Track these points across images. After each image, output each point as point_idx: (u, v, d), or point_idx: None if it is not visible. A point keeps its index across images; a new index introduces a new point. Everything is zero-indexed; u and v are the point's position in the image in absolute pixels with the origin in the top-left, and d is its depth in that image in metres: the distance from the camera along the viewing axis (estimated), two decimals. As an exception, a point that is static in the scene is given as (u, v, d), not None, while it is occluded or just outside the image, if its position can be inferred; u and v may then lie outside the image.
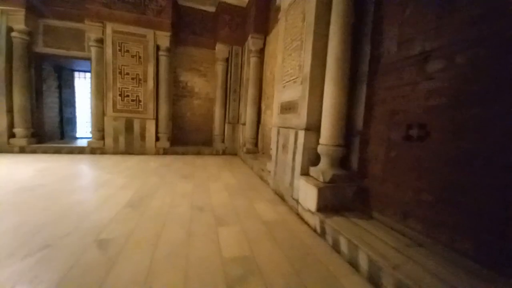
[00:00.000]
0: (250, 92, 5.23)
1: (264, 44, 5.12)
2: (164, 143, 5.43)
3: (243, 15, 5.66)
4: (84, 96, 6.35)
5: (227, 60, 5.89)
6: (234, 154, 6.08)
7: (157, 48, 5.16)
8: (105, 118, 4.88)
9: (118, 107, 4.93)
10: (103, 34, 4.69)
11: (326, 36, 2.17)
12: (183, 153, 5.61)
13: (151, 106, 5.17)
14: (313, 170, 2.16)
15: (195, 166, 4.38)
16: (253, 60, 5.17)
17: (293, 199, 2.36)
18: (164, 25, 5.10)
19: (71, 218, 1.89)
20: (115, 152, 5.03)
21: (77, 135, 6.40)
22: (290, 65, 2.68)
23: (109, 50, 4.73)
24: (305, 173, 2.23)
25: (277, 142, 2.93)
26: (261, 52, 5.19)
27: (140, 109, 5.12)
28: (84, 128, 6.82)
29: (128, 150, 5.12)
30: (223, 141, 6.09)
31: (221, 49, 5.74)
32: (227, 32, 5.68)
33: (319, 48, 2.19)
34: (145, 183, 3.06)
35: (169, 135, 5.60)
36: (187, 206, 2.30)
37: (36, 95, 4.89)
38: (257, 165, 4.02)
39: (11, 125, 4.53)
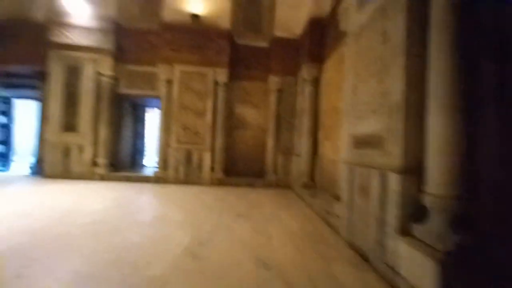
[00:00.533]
0: (305, 122, 4.92)
1: (320, 73, 4.88)
2: (219, 173, 5.45)
3: (295, 46, 5.66)
4: (152, 128, 7.19)
5: (279, 90, 5.84)
6: (288, 186, 5.65)
7: (216, 83, 5.49)
8: (169, 150, 5.24)
9: (180, 139, 5.25)
10: (171, 75, 5.26)
11: (421, 56, 1.74)
12: (236, 184, 5.49)
13: (208, 138, 5.36)
14: (419, 230, 1.58)
15: (250, 202, 4.12)
16: (307, 89, 4.95)
17: (386, 264, 1.78)
18: (222, 62, 5.46)
19: (122, 269, 1.70)
20: (176, 181, 5.25)
21: (145, 163, 7.09)
22: (366, 92, 2.28)
23: (175, 88, 5.24)
24: (405, 232, 1.67)
25: (351, 182, 2.44)
26: (315, 81, 4.95)
27: (198, 141, 5.35)
28: (150, 157, 7.61)
29: (187, 180, 5.29)
30: (275, 173, 5.78)
31: (273, 81, 5.76)
32: (279, 64, 5.73)
33: (414, 71, 1.76)
34: (202, 222, 2.90)
35: (223, 165, 5.62)
36: (250, 260, 1.96)
37: (115, 129, 5.66)
38: (318, 205, 3.50)
39: (95, 156, 5.26)
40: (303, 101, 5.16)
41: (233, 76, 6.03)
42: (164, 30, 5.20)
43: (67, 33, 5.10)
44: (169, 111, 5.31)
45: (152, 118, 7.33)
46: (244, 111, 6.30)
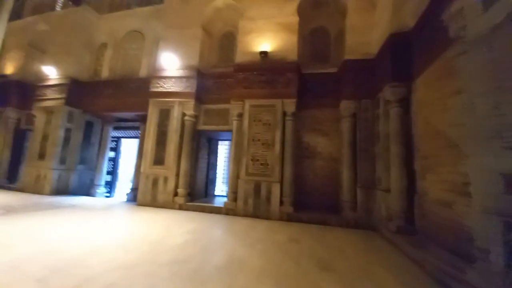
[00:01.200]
0: (393, 150, 4.12)
1: (408, 92, 4.14)
2: (288, 207, 5.06)
3: (370, 67, 5.13)
4: (221, 160, 7.67)
5: (353, 116, 5.27)
6: (371, 227, 4.68)
7: (284, 114, 5.43)
8: (239, 181, 5.28)
9: (250, 170, 5.25)
10: (242, 110, 5.53)
11: None
12: (307, 221, 4.93)
13: (277, 169, 5.17)
14: None
15: (329, 246, 3.50)
16: (393, 111, 4.23)
17: None
18: (290, 93, 5.43)
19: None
20: (245, 214, 5.15)
21: (216, 192, 7.43)
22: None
23: (246, 122, 5.43)
24: None
25: (506, 243, 1.65)
26: (403, 102, 4.20)
27: (267, 172, 5.21)
28: (220, 187, 8.01)
29: (256, 213, 5.12)
30: (353, 209, 4.94)
31: (346, 106, 5.26)
32: (352, 87, 5.26)
33: None
34: (282, 273, 2.52)
35: (292, 198, 5.22)
36: None
37: (193, 161, 6.20)
38: (432, 264, 2.59)
39: (176, 186, 5.79)
40: (387, 125, 4.42)
41: (301, 105, 5.87)
42: (237, 71, 5.66)
43: (162, 83, 6.20)
44: (239, 144, 5.48)
45: (223, 150, 7.86)
46: (313, 140, 5.92)
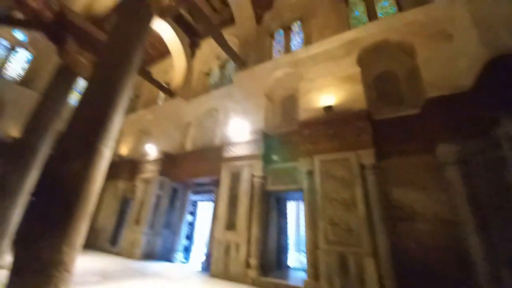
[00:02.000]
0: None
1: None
2: (392, 294, 3.72)
3: (465, 101, 4.15)
4: (292, 222, 6.98)
5: (463, 162, 4.05)
6: None
7: (362, 167, 4.73)
8: (318, 252, 4.45)
9: (329, 237, 4.42)
10: (312, 166, 5.18)
11: None
12: (429, 320, 3.40)
13: (365, 236, 4.16)
14: None
15: None
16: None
17: None
18: (365, 143, 4.85)
19: None
20: (330, 299, 4.07)
21: (289, 263, 6.50)
22: None
23: (317, 179, 4.97)
24: None
25: None
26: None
27: (352, 241, 4.25)
28: (294, 256, 7.05)
29: (346, 300, 3.97)
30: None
31: (446, 150, 4.18)
32: (450, 126, 4.25)
33: None
34: None
35: (394, 281, 3.88)
36: None
37: (263, 225, 5.82)
38: None
39: (248, 255, 5.36)
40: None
41: (382, 154, 5.06)
42: (302, 128, 5.63)
43: (233, 149, 6.74)
44: (312, 204, 4.91)
45: (291, 211, 7.26)
46: (407, 196, 4.72)
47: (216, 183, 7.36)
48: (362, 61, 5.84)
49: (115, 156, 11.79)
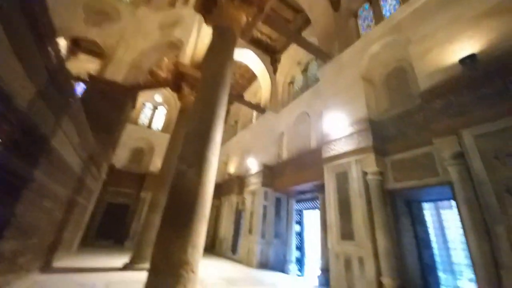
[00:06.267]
0: None
1: None
2: None
3: None
4: (441, 231, 4.99)
5: None
6: None
7: None
8: (502, 273, 2.77)
9: (529, 255, 2.67)
10: (460, 147, 3.57)
11: None
12: None
13: None
14: None
15: None
16: None
17: None
18: None
19: None
20: None
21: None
22: None
23: (476, 164, 3.31)
24: None
25: None
26: None
27: None
28: (458, 279, 4.98)
29: None
30: None
31: None
32: None
33: None
34: None
35: None
36: None
37: (393, 235, 4.48)
38: None
39: (378, 272, 4.20)
40: None
41: None
42: (430, 99, 4.12)
43: (332, 147, 5.93)
44: (474, 203, 3.25)
45: (438, 217, 5.28)
46: None
47: (320, 189, 6.66)
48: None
49: (226, 175, 13.58)
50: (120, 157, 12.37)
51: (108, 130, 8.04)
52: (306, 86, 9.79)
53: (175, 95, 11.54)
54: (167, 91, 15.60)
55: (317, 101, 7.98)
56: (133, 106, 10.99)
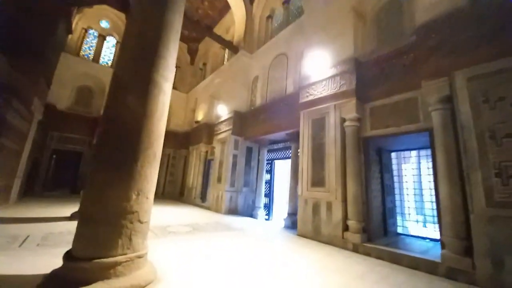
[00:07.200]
0: None
1: None
2: None
3: None
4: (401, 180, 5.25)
5: None
6: None
7: None
8: (472, 218, 2.83)
9: (496, 197, 2.68)
10: (449, 89, 3.24)
11: None
12: None
13: None
14: None
15: None
16: None
17: None
18: None
19: None
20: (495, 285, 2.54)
21: (399, 230, 5.05)
22: None
23: (463, 108, 3.06)
24: None
25: None
26: None
27: (553, 203, 2.38)
28: (407, 220, 5.50)
29: None
30: None
31: None
32: None
33: None
34: None
35: None
36: None
37: (362, 182, 4.48)
38: None
39: (345, 217, 4.28)
40: None
41: None
42: (424, 36, 3.58)
43: (311, 91, 5.36)
44: (454, 149, 3.13)
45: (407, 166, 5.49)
46: None
47: (293, 138, 6.35)
48: None
49: (194, 123, 12.59)
50: (62, 96, 10.30)
51: (34, 55, 6.15)
52: (286, 22, 8.48)
53: (124, 19, 9.18)
54: (115, 15, 12.56)
55: (298, 39, 6.98)
56: (69, 31, 8.59)
